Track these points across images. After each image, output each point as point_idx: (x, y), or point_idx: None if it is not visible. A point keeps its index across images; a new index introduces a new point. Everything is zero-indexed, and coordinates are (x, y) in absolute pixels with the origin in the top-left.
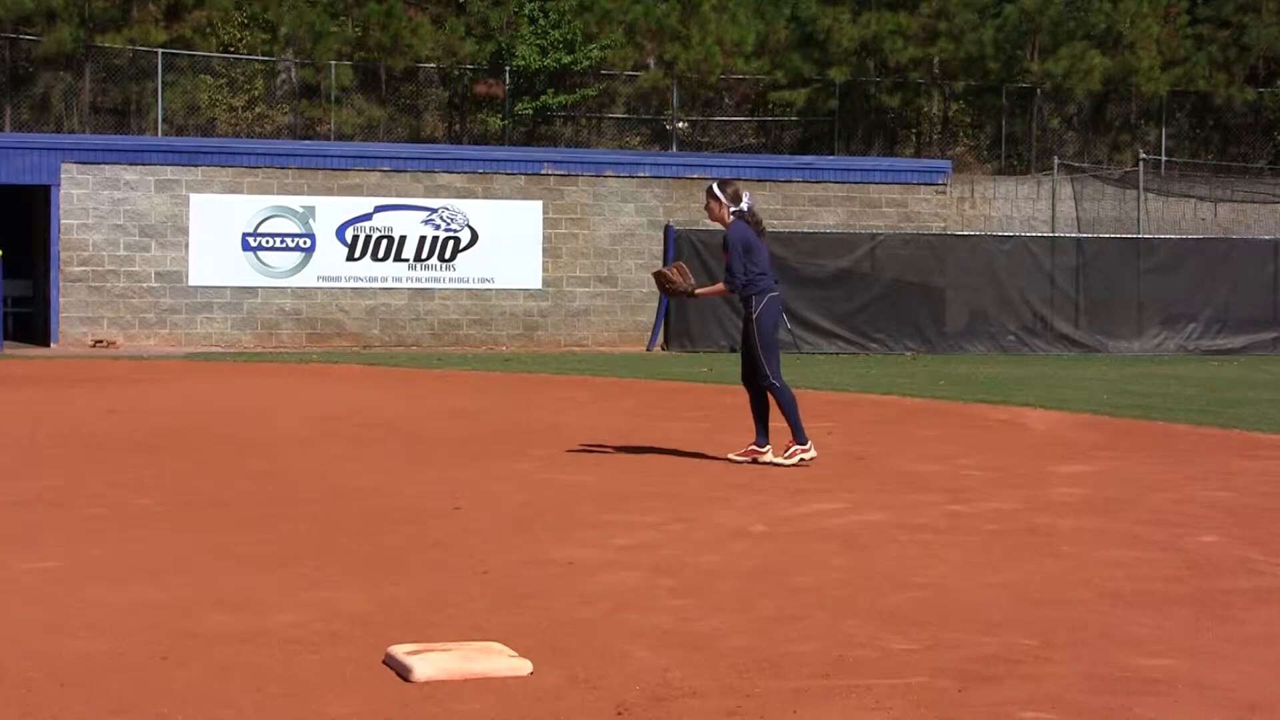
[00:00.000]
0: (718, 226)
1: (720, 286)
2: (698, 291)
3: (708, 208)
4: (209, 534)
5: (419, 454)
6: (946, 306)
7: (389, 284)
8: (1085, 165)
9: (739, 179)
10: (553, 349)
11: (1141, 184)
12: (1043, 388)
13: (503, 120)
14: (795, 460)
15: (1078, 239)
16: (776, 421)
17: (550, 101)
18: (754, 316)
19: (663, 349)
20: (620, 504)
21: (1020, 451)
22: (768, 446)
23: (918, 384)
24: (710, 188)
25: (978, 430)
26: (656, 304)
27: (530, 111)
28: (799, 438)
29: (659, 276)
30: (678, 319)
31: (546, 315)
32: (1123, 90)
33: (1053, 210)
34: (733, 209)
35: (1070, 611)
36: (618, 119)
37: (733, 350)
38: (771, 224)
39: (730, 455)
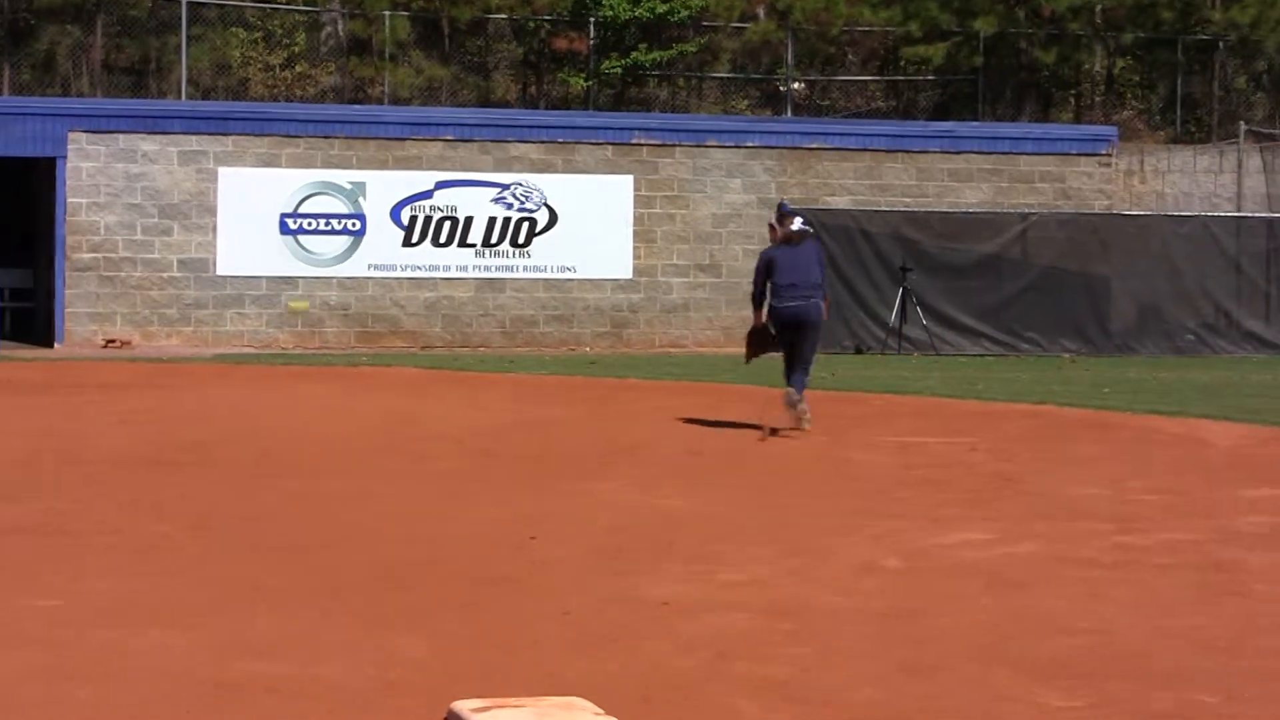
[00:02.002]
0: (840, 206)
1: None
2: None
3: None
4: (239, 566)
5: (487, 473)
6: (1112, 300)
7: (452, 273)
8: (1278, 131)
9: (869, 150)
10: (645, 350)
11: None
12: (1228, 396)
13: (586, 80)
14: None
15: (1269, 219)
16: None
17: (642, 58)
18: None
19: (776, 350)
20: (725, 533)
21: (1201, 472)
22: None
23: (1077, 392)
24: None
25: (1149, 447)
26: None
27: (619, 70)
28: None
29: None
30: None
31: (638, 310)
32: None
33: (1239, 185)
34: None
35: (1260, 662)
36: (722, 79)
37: (859, 352)
38: (904, 201)
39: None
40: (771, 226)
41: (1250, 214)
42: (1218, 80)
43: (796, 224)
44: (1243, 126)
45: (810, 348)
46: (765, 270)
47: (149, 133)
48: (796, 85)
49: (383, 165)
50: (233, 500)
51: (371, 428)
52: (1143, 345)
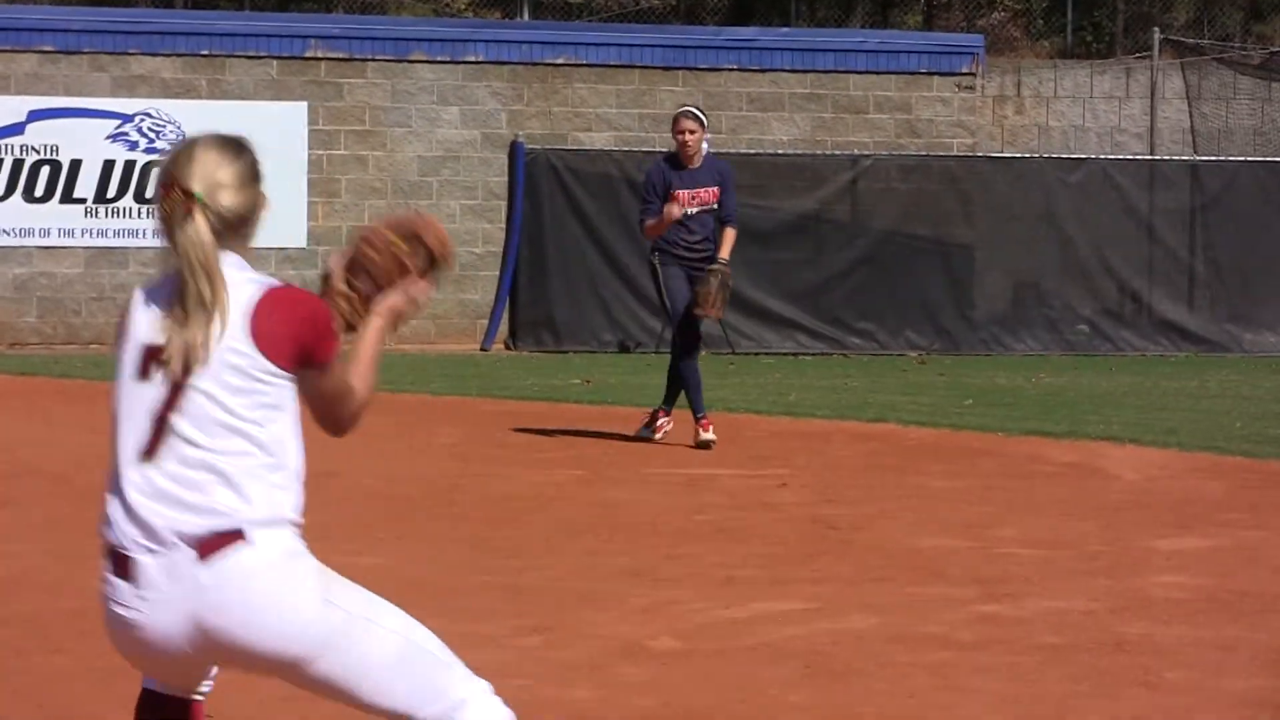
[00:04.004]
0: (598, 145)
1: (732, 234)
2: (722, 255)
3: (693, 135)
4: None
5: None
6: (976, 277)
7: (53, 240)
8: (1205, 42)
9: (638, 66)
10: None
11: None
12: (1135, 410)
13: None
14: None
15: (1193, 164)
16: None
17: None
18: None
19: (508, 347)
20: (434, 603)
21: (1097, 516)
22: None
23: (928, 405)
24: (694, 114)
25: (1027, 481)
26: (498, 275)
27: None
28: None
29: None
30: (534, 300)
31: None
32: None
33: (1151, 117)
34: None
35: None
36: None
37: (624, 350)
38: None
39: (705, 435)
40: (704, 125)
41: (1167, 156)
42: None
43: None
44: (1157, 35)
45: None
46: None
47: None
48: None
49: None
50: None
51: None
52: (1019, 340)
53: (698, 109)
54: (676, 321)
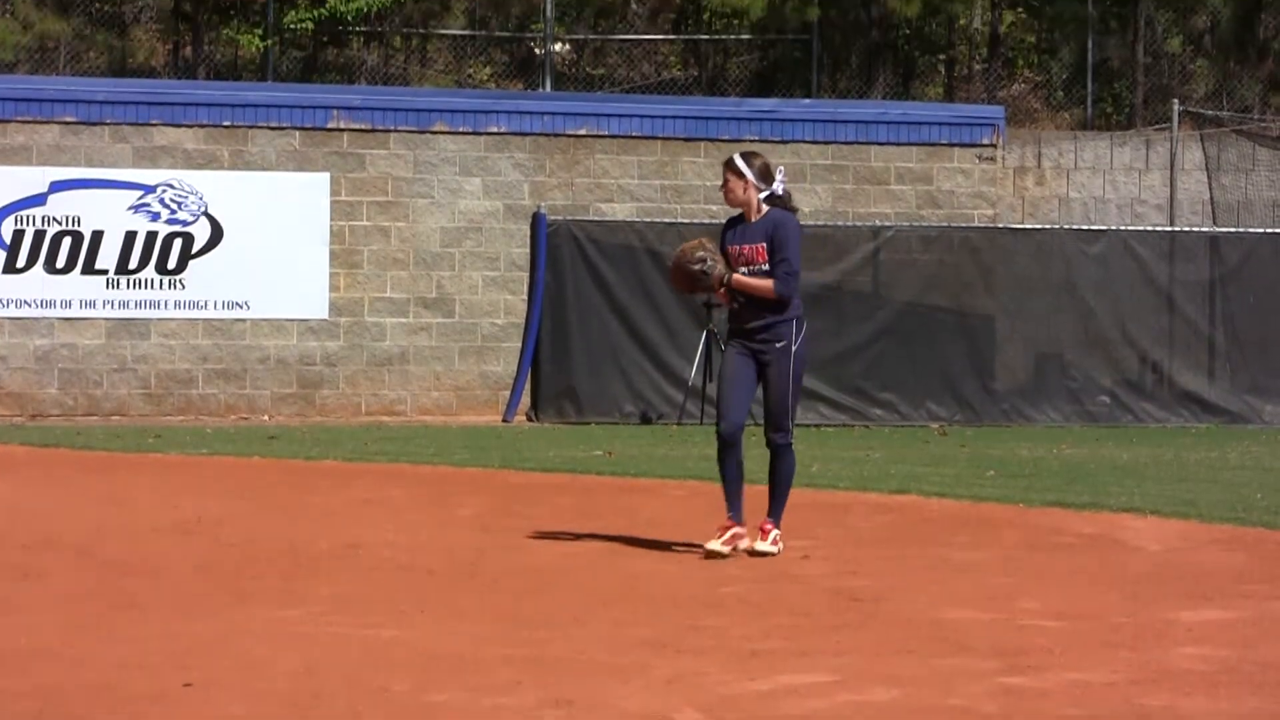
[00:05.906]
0: (620, 216)
1: (768, 284)
2: (735, 280)
3: (724, 187)
4: None
5: (124, 595)
6: (998, 348)
7: (74, 311)
8: (1225, 113)
9: (660, 138)
10: (347, 419)
11: None
12: (1156, 482)
13: (264, 39)
14: (780, 547)
15: (1213, 235)
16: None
17: (343, 8)
18: (795, 348)
19: (529, 419)
20: (460, 675)
21: (1120, 587)
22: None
23: (950, 476)
24: (732, 162)
25: (1049, 553)
26: (520, 345)
27: (309, 25)
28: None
29: (684, 269)
30: (556, 372)
31: (337, 363)
32: None
33: (1171, 188)
34: (765, 192)
35: None
36: (455, 37)
37: (646, 421)
38: (709, 210)
39: (710, 544)
40: (740, 174)
41: (1187, 228)
42: (1142, 42)
43: (780, 183)
44: (1176, 106)
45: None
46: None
47: None
48: (559, 47)
49: None
50: None
51: None
52: (1040, 411)
53: (744, 157)
54: (720, 418)
